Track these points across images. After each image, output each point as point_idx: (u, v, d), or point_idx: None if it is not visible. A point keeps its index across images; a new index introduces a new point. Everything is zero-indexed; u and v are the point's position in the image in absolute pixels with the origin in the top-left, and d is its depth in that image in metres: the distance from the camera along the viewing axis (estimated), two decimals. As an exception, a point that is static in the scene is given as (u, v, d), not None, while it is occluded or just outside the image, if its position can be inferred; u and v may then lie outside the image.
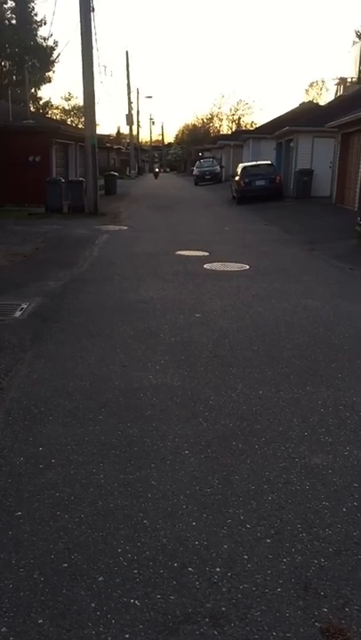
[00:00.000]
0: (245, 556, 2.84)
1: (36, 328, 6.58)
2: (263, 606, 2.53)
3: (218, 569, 2.75)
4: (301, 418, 4.33)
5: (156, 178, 56.08)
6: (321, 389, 4.86)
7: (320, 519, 3.14)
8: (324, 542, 2.95)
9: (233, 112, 71.29)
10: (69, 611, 2.50)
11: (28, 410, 4.44)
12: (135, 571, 2.74)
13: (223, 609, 2.51)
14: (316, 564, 2.78)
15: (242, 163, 29.26)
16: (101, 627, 2.42)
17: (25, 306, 7.49)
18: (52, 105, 57.29)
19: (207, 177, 42.66)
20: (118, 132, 72.07)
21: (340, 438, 4.03)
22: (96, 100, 19.37)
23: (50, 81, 38.69)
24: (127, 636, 2.37)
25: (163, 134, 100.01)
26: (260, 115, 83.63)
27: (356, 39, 40.49)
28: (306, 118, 27.12)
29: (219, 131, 70.19)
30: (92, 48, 18.68)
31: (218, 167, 44.18)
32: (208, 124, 74.51)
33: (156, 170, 61.54)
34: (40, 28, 34.63)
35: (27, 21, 33.47)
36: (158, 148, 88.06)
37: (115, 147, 51.53)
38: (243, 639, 2.36)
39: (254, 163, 26.74)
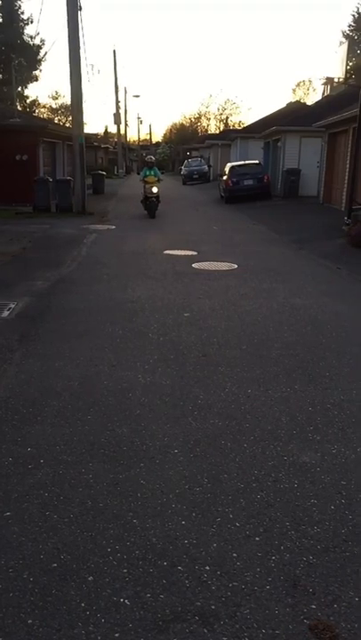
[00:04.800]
0: (235, 554, 2.85)
1: (24, 328, 6.56)
2: (252, 604, 2.54)
3: (207, 567, 2.76)
4: (290, 416, 4.35)
5: (150, 214, 18.70)
6: (309, 388, 4.89)
7: (308, 517, 3.16)
8: (312, 540, 2.97)
9: (221, 111, 71.50)
10: (59, 611, 2.50)
11: (17, 410, 4.42)
12: (125, 570, 2.74)
13: (213, 607, 2.52)
14: (305, 562, 2.80)
15: (230, 162, 29.29)
16: (91, 626, 2.42)
17: (13, 306, 7.46)
18: (39, 104, 57.01)
19: (195, 176, 42.68)
20: (106, 131, 71.97)
21: (328, 436, 4.05)
22: (84, 99, 19.35)
23: (37, 79, 38.41)
24: (117, 635, 2.38)
25: (151, 133, 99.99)
26: (248, 114, 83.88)
27: (343, 39, 40.75)
28: (293, 118, 27.19)
29: (207, 130, 70.30)
30: (79, 47, 18.61)
31: (206, 167, 44.21)
32: (196, 123, 74.66)
33: (154, 190, 18.48)
34: (27, 27, 34.41)
35: (13, 20, 33.21)
36: (146, 147, 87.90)
37: (102, 146, 51.35)
38: (232, 637, 2.37)
39: (242, 162, 26.78)
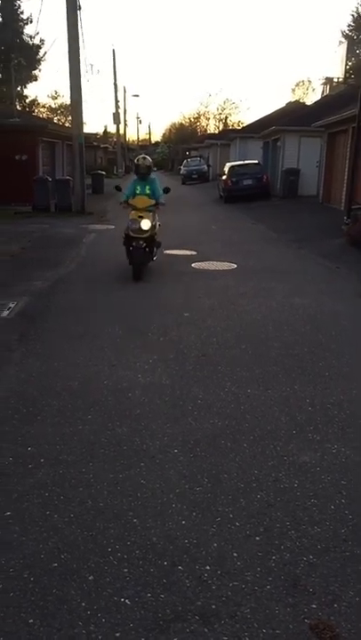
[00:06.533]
0: (235, 554, 2.85)
1: (24, 328, 6.56)
2: (253, 603, 2.54)
3: (208, 567, 2.76)
4: (290, 416, 4.35)
5: (134, 273, 8.96)
6: (309, 388, 4.89)
7: (308, 517, 3.16)
8: (312, 539, 2.97)
9: (220, 111, 71.29)
10: (60, 610, 2.50)
11: (17, 409, 4.42)
12: (125, 570, 2.74)
13: (213, 607, 2.52)
14: (305, 562, 2.81)
15: (229, 162, 29.29)
16: (92, 626, 2.42)
17: (12, 305, 7.46)
18: (38, 103, 56.96)
19: (194, 176, 42.69)
20: (105, 130, 71.87)
21: (327, 436, 4.06)
22: (83, 99, 19.34)
23: (36, 79, 38.52)
24: (118, 634, 2.38)
25: (150, 133, 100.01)
26: (247, 114, 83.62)
27: (342, 39, 40.72)
28: (292, 118, 27.17)
29: (206, 130, 70.14)
30: (78, 46, 18.60)
31: (205, 166, 44.20)
32: (195, 122, 74.47)
33: (144, 225, 8.94)
34: (26, 27, 34.48)
35: (13, 19, 33.24)
36: (145, 147, 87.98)
37: (102, 145, 51.30)
38: (233, 637, 2.38)
39: (241, 162, 26.79)
